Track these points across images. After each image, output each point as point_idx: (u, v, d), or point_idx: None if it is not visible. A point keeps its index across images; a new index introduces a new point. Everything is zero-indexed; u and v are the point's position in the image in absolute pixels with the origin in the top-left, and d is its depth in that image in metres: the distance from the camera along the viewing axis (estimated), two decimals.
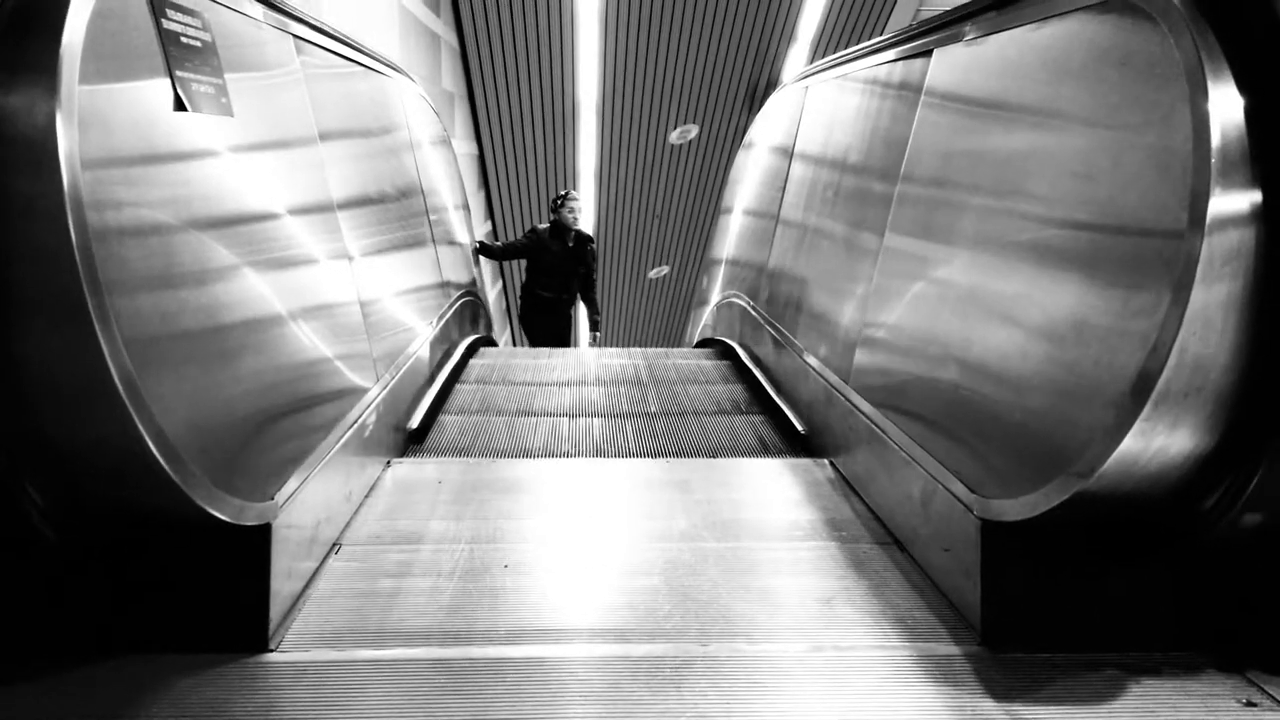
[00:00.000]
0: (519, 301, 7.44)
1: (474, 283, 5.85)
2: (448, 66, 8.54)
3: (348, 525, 2.23)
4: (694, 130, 11.24)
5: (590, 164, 11.60)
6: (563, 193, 7.06)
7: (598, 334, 7.62)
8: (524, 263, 7.18)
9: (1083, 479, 1.43)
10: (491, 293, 9.48)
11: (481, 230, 9.87)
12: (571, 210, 6.85)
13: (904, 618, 1.80)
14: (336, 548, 2.09)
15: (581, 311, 7.61)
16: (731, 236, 6.08)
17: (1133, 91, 1.47)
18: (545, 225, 7.01)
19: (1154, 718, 1.46)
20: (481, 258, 6.81)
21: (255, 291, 1.80)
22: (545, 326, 7.21)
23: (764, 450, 3.19)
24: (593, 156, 11.45)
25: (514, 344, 11.88)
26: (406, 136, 4.05)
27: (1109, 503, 1.48)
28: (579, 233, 6.99)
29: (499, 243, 7.64)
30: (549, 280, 6.99)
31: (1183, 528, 1.53)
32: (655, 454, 3.16)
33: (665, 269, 13.74)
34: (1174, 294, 1.30)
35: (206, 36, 1.71)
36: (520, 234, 9.38)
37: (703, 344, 6.13)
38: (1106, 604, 1.65)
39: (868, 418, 2.42)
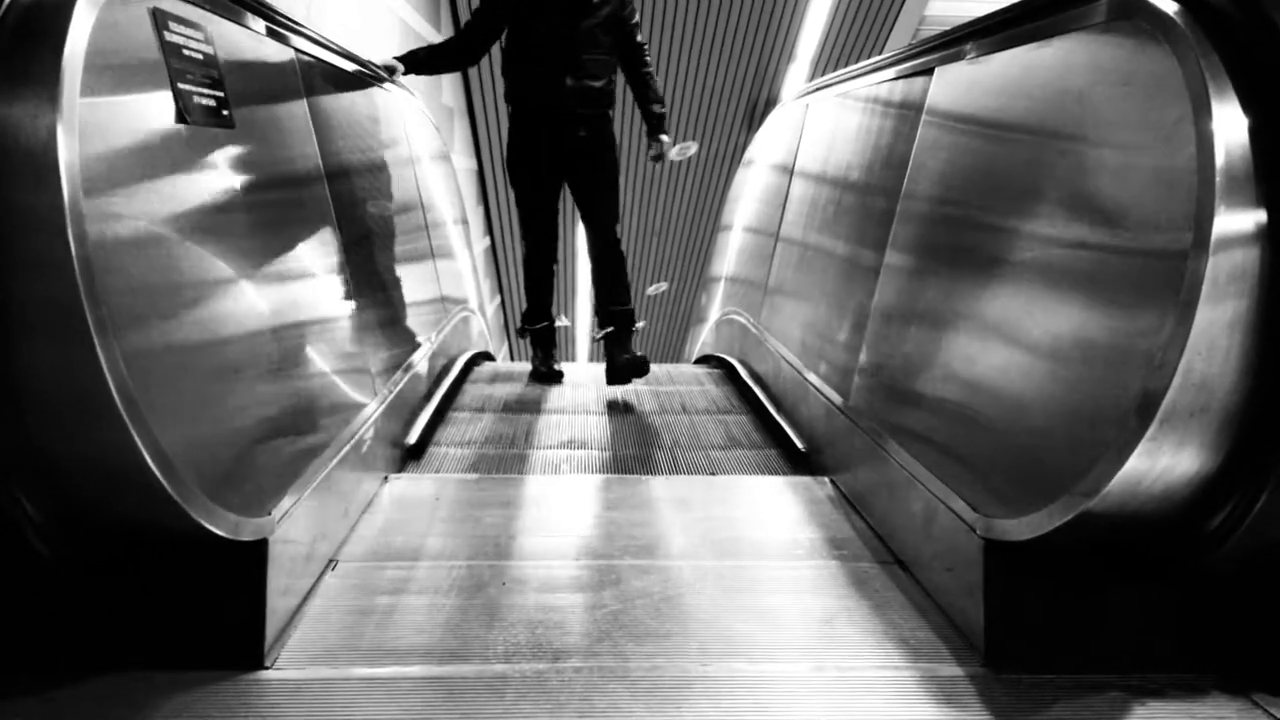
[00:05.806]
0: (505, 148, 4.11)
1: (472, 297, 5.84)
2: (448, 82, 8.55)
3: (345, 541, 2.21)
4: (693, 147, 11.24)
5: None
6: None
7: (666, 138, 4.10)
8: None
9: (1087, 499, 1.42)
10: (490, 307, 9.47)
11: (480, 246, 9.87)
12: None
13: (906, 638, 1.78)
14: (333, 564, 2.07)
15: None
16: (731, 254, 6.08)
17: (1136, 110, 1.47)
18: None
19: None
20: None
21: (254, 306, 1.79)
22: (550, 163, 3.98)
23: (763, 467, 3.17)
24: None
25: (512, 359, 11.86)
26: (407, 151, 4.05)
27: (1113, 523, 1.47)
28: None
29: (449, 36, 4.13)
30: (539, 68, 3.77)
31: (1188, 548, 1.52)
32: (653, 465, 3.14)
33: (664, 285, 13.75)
34: (1179, 313, 1.30)
35: (208, 49, 1.71)
36: None
37: (702, 361, 6.12)
38: (1111, 625, 1.64)
39: (869, 435, 2.41)
